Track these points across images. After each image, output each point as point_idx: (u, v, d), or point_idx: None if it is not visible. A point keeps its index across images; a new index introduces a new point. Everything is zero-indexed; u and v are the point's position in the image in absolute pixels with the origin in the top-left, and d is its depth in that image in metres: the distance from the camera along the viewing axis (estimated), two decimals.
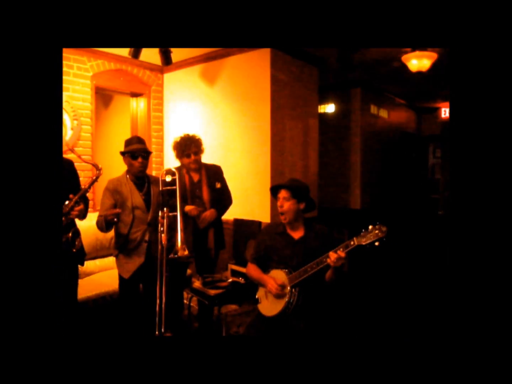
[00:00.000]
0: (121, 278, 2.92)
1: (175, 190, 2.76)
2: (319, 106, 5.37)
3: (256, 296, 2.61)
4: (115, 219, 2.66)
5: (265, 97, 4.15)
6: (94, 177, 2.57)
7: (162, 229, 2.63)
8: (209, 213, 3.24)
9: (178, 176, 2.80)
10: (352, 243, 2.22)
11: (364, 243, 2.19)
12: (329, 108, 6.77)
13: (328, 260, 2.25)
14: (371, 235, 2.17)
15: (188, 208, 3.16)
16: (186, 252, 2.51)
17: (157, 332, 2.38)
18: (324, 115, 6.61)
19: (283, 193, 2.53)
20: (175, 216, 2.65)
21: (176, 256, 2.52)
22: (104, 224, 2.69)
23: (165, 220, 2.62)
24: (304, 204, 2.54)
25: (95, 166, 2.64)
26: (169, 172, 2.85)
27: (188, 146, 3.25)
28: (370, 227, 2.19)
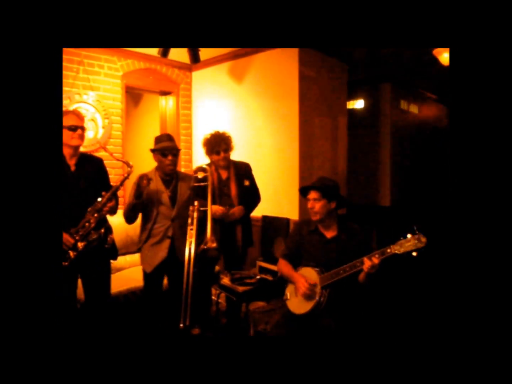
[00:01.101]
0: (144, 272, 2.98)
1: (206, 186, 2.79)
2: (348, 102, 5.31)
3: (285, 293, 2.61)
4: (145, 183, 2.69)
5: (293, 93, 4.13)
6: (126, 174, 2.62)
7: (191, 222, 2.64)
8: (237, 210, 3.24)
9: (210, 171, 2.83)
10: (388, 250, 2.18)
11: (400, 252, 2.14)
12: (358, 103, 6.69)
13: (362, 266, 2.22)
14: (410, 244, 2.11)
15: (213, 209, 3.18)
16: (215, 244, 2.51)
17: (181, 325, 2.41)
18: (353, 111, 6.53)
19: (313, 194, 2.51)
20: (205, 211, 2.67)
21: (205, 247, 2.53)
22: (133, 194, 2.72)
23: (195, 214, 2.64)
24: (335, 202, 2.51)
25: (126, 163, 2.69)
26: (200, 169, 2.90)
27: (218, 144, 3.26)
28: (409, 236, 2.13)
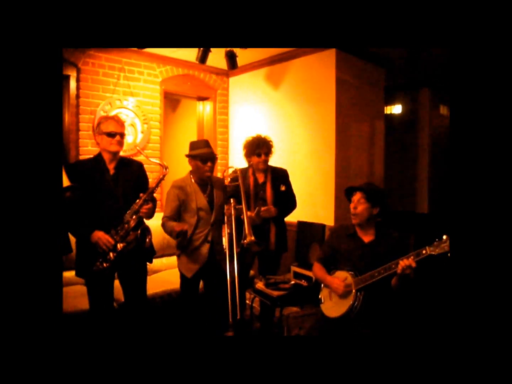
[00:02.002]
0: (183, 277, 3.01)
1: (238, 186, 2.82)
2: (385, 107, 5.23)
3: (319, 296, 2.60)
4: (183, 232, 2.76)
5: (330, 99, 4.12)
6: (161, 176, 2.67)
7: (228, 220, 2.67)
8: (272, 208, 3.24)
9: (242, 176, 2.86)
10: (424, 252, 2.15)
11: (436, 253, 2.10)
12: (396, 109, 6.58)
13: (396, 268, 2.19)
14: (445, 245, 2.07)
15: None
16: (253, 238, 2.52)
17: (230, 320, 2.44)
18: (390, 116, 6.43)
19: (358, 196, 2.50)
20: (241, 209, 2.71)
21: (245, 241, 2.54)
22: (174, 235, 2.79)
23: (232, 211, 2.66)
24: (378, 209, 2.49)
25: (162, 165, 2.73)
26: (230, 169, 2.95)
27: (260, 146, 3.29)
28: (445, 237, 2.09)
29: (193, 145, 2.98)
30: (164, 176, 2.68)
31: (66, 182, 2.08)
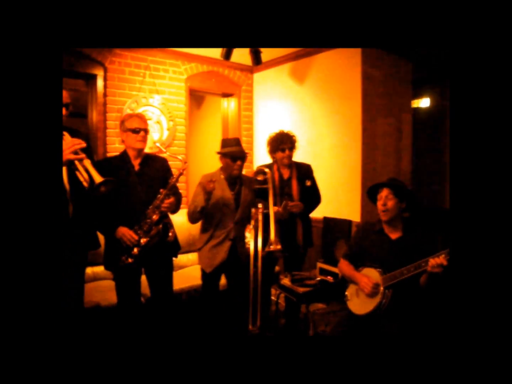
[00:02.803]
0: (203, 272, 3.03)
1: (267, 189, 2.80)
2: (412, 101, 5.13)
3: (346, 293, 2.58)
4: (213, 187, 2.75)
5: (356, 93, 4.06)
6: (181, 171, 2.68)
7: (255, 224, 2.66)
8: (300, 204, 3.23)
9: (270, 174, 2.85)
10: None
11: None
12: (424, 102, 6.44)
13: (427, 267, 2.15)
14: None
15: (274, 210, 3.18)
16: (279, 246, 2.50)
17: (250, 326, 2.43)
18: (418, 110, 6.30)
19: (385, 192, 2.47)
20: (267, 213, 2.67)
21: (270, 249, 2.52)
22: (202, 199, 2.79)
23: (259, 216, 2.66)
24: (405, 203, 2.46)
25: (181, 160, 2.74)
26: (261, 171, 2.93)
27: (284, 141, 3.29)
28: None
29: (224, 143, 3.01)
30: (183, 170, 2.69)
31: (98, 178, 2.11)
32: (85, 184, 2.16)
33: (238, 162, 2.90)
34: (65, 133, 2.21)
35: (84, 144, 2.14)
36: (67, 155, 2.09)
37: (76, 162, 2.13)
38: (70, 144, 2.11)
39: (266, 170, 2.89)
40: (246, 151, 5.19)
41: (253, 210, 2.69)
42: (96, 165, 2.29)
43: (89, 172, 2.13)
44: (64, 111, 2.25)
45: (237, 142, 2.99)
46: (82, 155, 2.13)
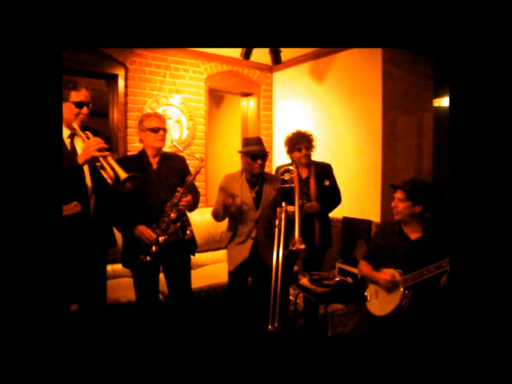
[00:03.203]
0: (228, 270, 3.05)
1: (291, 188, 2.81)
2: (434, 100, 5.06)
3: (365, 294, 2.56)
4: (231, 203, 2.77)
5: (376, 92, 4.02)
6: (198, 169, 2.69)
7: (279, 224, 2.65)
8: (315, 204, 3.21)
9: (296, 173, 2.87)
10: None
11: None
12: (445, 101, 6.35)
13: (447, 267, 2.13)
14: None
15: (289, 210, 3.16)
16: (303, 245, 2.48)
17: (270, 327, 2.42)
18: (439, 109, 6.21)
19: (398, 194, 2.46)
20: (293, 212, 2.66)
21: (293, 248, 2.51)
22: (221, 208, 2.81)
23: (283, 215, 2.66)
24: (421, 207, 2.43)
25: (197, 158, 2.75)
26: (287, 170, 2.93)
27: (300, 141, 3.28)
28: None
29: (245, 142, 3.02)
30: (200, 169, 2.70)
31: (123, 174, 2.15)
32: (109, 181, 2.20)
33: (259, 161, 2.89)
34: (88, 132, 2.26)
35: (106, 145, 2.18)
36: (91, 152, 2.13)
37: (101, 159, 2.17)
38: (94, 142, 2.15)
39: (292, 168, 2.89)
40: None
41: (278, 209, 2.70)
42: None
43: (114, 169, 2.17)
44: (85, 110, 2.29)
45: (258, 141, 2.99)
46: (106, 153, 2.18)
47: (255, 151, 2.90)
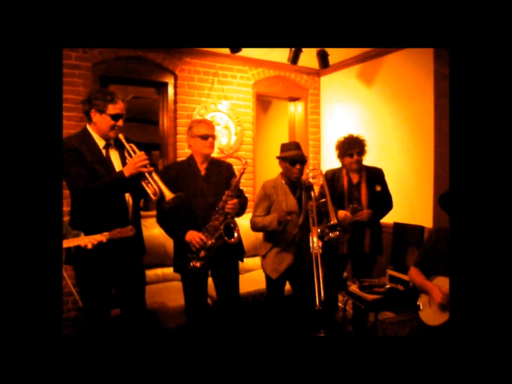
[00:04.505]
0: (268, 278, 3.00)
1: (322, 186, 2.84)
2: None
3: (418, 303, 2.48)
4: (289, 219, 2.77)
5: (428, 94, 3.90)
6: (242, 170, 2.71)
7: (312, 221, 2.64)
8: (365, 213, 3.16)
9: (336, 176, 2.82)
10: None
11: None
12: None
13: None
14: None
15: (341, 214, 3.12)
16: (336, 220, 2.53)
17: (318, 304, 2.41)
18: None
19: None
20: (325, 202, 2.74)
21: (330, 224, 2.57)
22: (276, 223, 2.79)
23: (314, 209, 2.64)
24: None
25: (240, 159, 2.78)
26: (312, 171, 3.01)
27: (352, 146, 3.23)
28: None
29: (283, 147, 2.99)
30: (244, 170, 2.72)
31: (168, 194, 2.22)
32: (153, 197, 2.27)
33: (297, 166, 2.87)
34: (132, 145, 2.33)
35: (149, 161, 2.26)
36: (139, 168, 2.20)
37: (147, 175, 2.24)
38: (142, 158, 2.23)
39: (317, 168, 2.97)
40: (313, 155, 5.20)
41: (309, 203, 2.68)
42: (163, 170, 2.36)
43: (159, 186, 2.23)
44: (120, 122, 2.36)
45: (296, 146, 2.97)
46: (151, 168, 2.24)
47: (294, 155, 2.87)
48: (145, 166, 2.23)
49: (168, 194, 2.21)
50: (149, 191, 2.26)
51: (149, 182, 2.25)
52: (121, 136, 2.32)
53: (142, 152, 2.27)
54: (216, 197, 2.67)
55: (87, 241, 2.05)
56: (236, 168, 2.90)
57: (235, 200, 2.64)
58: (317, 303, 2.40)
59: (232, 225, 2.68)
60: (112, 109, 2.31)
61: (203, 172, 2.74)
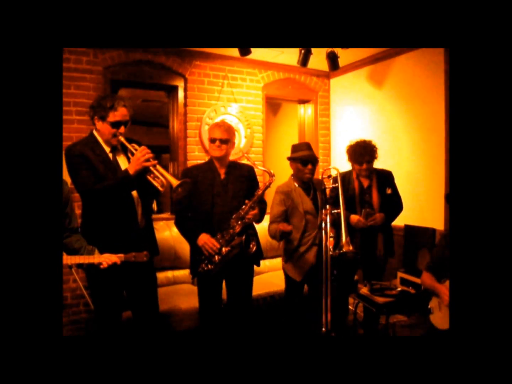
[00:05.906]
0: (291, 281, 2.99)
1: (337, 188, 2.79)
2: None
3: (429, 306, 2.46)
4: (286, 232, 2.76)
5: (439, 96, 3.87)
6: (268, 183, 2.69)
7: (325, 226, 2.61)
8: (378, 217, 3.14)
9: (345, 179, 2.82)
10: None
11: None
12: None
13: None
14: None
15: (353, 219, 3.11)
16: (351, 247, 2.46)
17: (323, 329, 2.39)
18: None
19: None
20: (339, 214, 2.62)
21: (341, 251, 2.49)
22: (278, 236, 2.80)
23: (328, 218, 2.62)
24: None
25: (269, 172, 2.76)
26: (329, 175, 2.93)
27: (362, 155, 3.19)
28: None
29: (294, 148, 2.99)
30: (270, 184, 2.71)
31: (174, 181, 2.23)
32: (160, 188, 2.27)
33: (309, 166, 2.86)
34: (134, 144, 2.34)
35: (152, 154, 2.26)
36: (142, 163, 2.21)
37: (151, 168, 2.24)
38: (143, 152, 2.23)
39: (334, 168, 2.90)
40: (323, 157, 5.19)
41: (323, 211, 2.66)
42: (184, 172, 2.35)
43: (164, 177, 2.23)
44: (122, 129, 2.34)
45: (307, 146, 2.96)
46: (155, 161, 2.25)
47: (305, 156, 2.87)
48: (148, 160, 2.23)
49: (174, 182, 2.21)
50: (156, 184, 2.26)
51: (155, 176, 2.26)
52: (121, 138, 2.32)
53: (143, 147, 2.27)
54: (235, 201, 2.67)
55: (102, 260, 2.07)
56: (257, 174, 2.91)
57: (255, 211, 2.64)
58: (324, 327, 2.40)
59: (251, 237, 2.67)
60: (112, 116, 2.29)
61: (222, 176, 2.74)
